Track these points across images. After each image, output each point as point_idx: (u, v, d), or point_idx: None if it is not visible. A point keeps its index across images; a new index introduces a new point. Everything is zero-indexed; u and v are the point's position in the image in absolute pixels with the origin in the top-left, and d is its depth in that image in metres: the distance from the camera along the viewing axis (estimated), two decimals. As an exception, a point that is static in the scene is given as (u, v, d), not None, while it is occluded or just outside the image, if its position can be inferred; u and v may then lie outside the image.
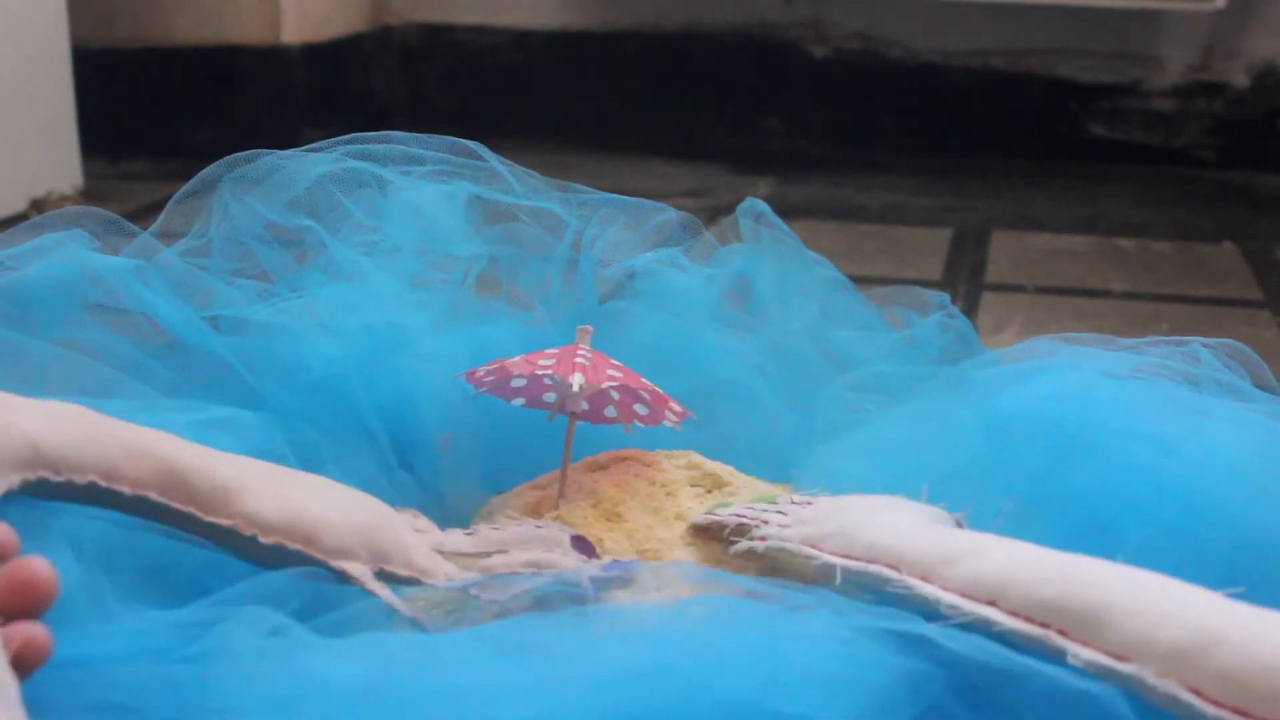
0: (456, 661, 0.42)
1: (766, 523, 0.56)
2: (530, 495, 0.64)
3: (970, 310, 1.28)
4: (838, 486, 0.62)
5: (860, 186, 1.84)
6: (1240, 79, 1.97)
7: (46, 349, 0.60)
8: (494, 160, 0.74)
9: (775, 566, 0.55)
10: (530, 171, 0.75)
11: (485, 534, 0.56)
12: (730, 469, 0.66)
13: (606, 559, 0.56)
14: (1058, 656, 0.41)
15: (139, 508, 0.47)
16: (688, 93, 2.08)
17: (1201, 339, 0.67)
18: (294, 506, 0.49)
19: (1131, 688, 0.39)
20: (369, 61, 2.07)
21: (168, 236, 0.69)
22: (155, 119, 1.88)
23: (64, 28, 1.57)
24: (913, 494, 0.58)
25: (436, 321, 0.70)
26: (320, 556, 0.49)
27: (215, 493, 0.48)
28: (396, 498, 0.62)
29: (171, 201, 0.71)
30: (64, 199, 1.55)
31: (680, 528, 0.61)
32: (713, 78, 2.07)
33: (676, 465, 0.65)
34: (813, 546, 0.52)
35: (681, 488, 0.63)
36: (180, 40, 1.86)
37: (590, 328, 0.65)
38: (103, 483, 0.46)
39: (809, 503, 0.58)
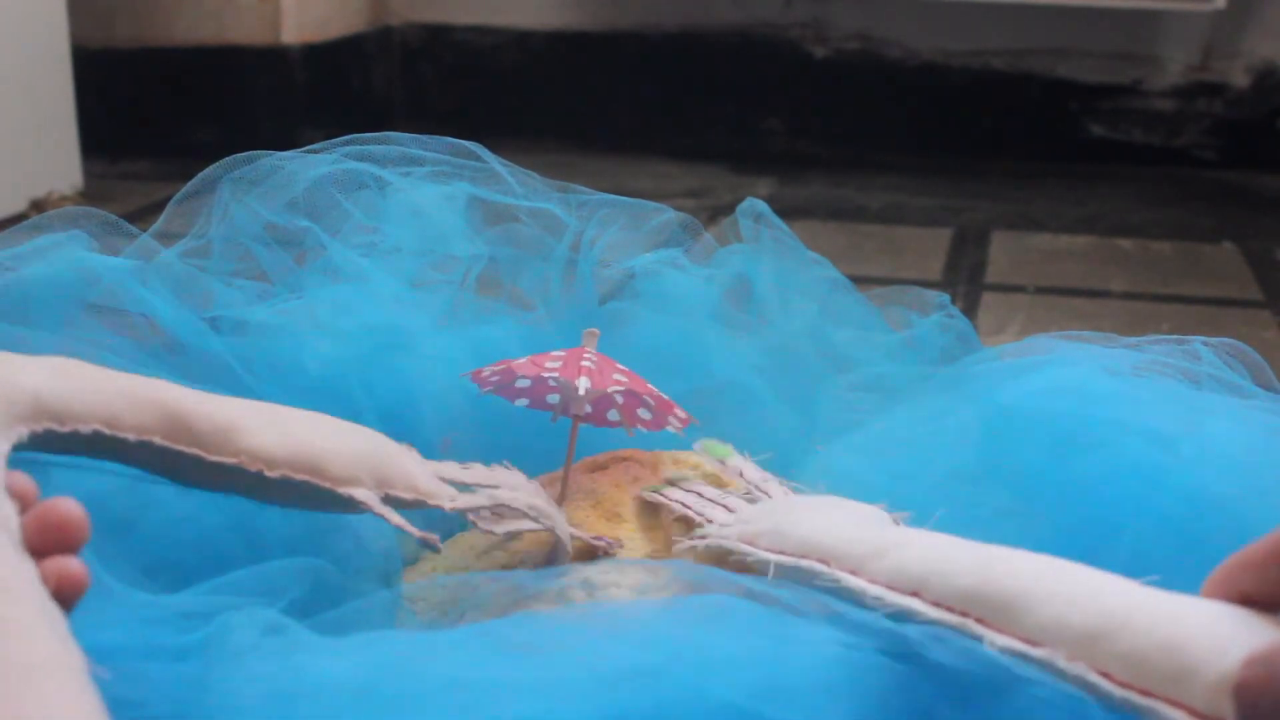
0: (454, 659, 0.42)
1: (710, 520, 0.58)
2: (530, 496, 0.64)
3: (970, 310, 1.28)
4: (838, 486, 0.62)
5: (860, 186, 1.84)
6: (1240, 79, 1.97)
7: (45, 345, 0.60)
8: (493, 161, 0.74)
9: (718, 559, 0.56)
10: (530, 172, 0.75)
11: (480, 469, 0.57)
12: (730, 469, 0.66)
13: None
14: (976, 643, 0.42)
15: (144, 455, 0.47)
16: (688, 93, 2.08)
17: (1202, 338, 0.67)
18: (297, 440, 0.50)
19: (1045, 671, 0.40)
20: (369, 62, 2.07)
21: (168, 237, 0.69)
22: (155, 119, 1.88)
23: (64, 28, 1.57)
24: (913, 492, 0.58)
25: (436, 322, 0.70)
26: (328, 485, 0.50)
27: (218, 433, 0.48)
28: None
29: (171, 202, 0.71)
30: (64, 199, 1.55)
31: (680, 528, 0.61)
32: (713, 78, 2.07)
33: (677, 466, 0.65)
34: (748, 543, 0.54)
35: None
36: (180, 40, 1.86)
37: (596, 331, 0.65)
38: (106, 431, 0.46)
39: (751, 495, 0.59)
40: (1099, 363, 0.64)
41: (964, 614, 0.42)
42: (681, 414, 0.65)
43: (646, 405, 0.65)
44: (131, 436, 0.46)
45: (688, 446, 0.66)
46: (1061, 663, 0.39)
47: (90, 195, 1.59)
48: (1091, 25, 1.97)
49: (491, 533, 0.54)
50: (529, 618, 0.47)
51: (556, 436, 0.64)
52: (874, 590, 0.46)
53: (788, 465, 0.68)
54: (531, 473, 0.66)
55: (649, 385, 0.64)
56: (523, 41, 2.11)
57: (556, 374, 0.62)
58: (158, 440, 0.47)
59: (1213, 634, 0.37)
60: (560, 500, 0.62)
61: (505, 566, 0.58)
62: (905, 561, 0.46)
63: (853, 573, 0.47)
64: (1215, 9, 1.88)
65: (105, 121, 1.75)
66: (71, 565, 0.39)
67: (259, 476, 0.48)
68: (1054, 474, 0.58)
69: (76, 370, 0.47)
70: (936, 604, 0.43)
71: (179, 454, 0.47)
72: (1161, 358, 0.65)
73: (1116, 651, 0.38)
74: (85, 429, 0.45)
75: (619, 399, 0.65)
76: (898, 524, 0.55)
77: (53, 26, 1.55)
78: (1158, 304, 1.33)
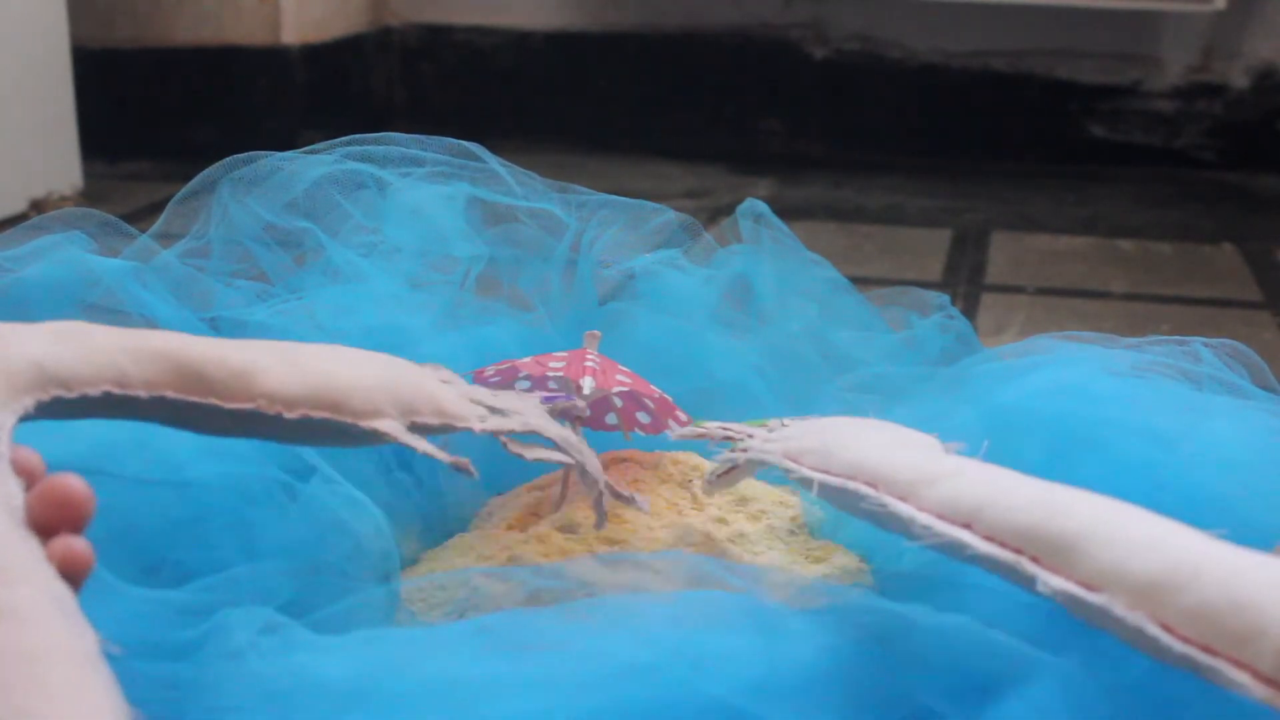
0: (452, 657, 0.42)
1: (751, 436, 0.55)
2: (529, 496, 0.64)
3: (970, 311, 1.28)
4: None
5: (860, 187, 1.84)
6: (1240, 80, 1.97)
7: None
8: (493, 161, 0.74)
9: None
10: (530, 172, 0.75)
11: (510, 396, 0.56)
12: (730, 470, 0.66)
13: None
14: (1027, 584, 0.40)
15: (158, 410, 0.46)
16: (688, 93, 2.08)
17: (1202, 339, 0.67)
18: (314, 377, 0.48)
19: (1098, 620, 0.38)
20: (369, 62, 2.07)
21: (168, 238, 0.70)
22: (155, 119, 1.88)
23: (64, 28, 1.57)
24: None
25: (436, 323, 0.70)
26: (349, 420, 0.48)
27: (233, 379, 0.46)
28: (395, 499, 0.62)
29: (171, 202, 0.71)
30: (64, 200, 1.55)
31: (680, 529, 0.61)
32: (713, 78, 2.07)
33: (676, 467, 0.65)
34: (793, 460, 0.51)
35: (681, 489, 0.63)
36: (180, 40, 1.86)
37: (598, 333, 0.65)
38: (117, 390, 0.44)
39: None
40: (1099, 363, 0.64)
41: (1018, 551, 0.40)
42: (683, 417, 0.65)
43: (646, 409, 0.65)
44: (143, 393, 0.45)
45: (688, 447, 0.66)
46: (1119, 610, 0.37)
47: (90, 195, 1.59)
48: (1091, 26, 1.97)
49: (521, 456, 0.53)
50: (526, 615, 0.47)
51: (556, 437, 0.64)
52: (923, 519, 0.43)
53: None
54: (530, 474, 0.66)
55: (652, 387, 0.64)
56: (523, 41, 2.11)
57: (561, 374, 0.62)
58: (170, 394, 0.45)
59: None
60: (560, 501, 0.62)
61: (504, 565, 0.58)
62: (958, 491, 0.43)
63: (901, 499, 0.45)
64: (1215, 9, 1.88)
65: (105, 121, 1.75)
66: (76, 545, 0.38)
67: (278, 419, 0.47)
68: (1054, 474, 0.58)
69: (78, 332, 0.46)
70: (989, 538, 0.41)
71: (194, 405, 0.46)
72: (1162, 358, 0.65)
73: (1182, 605, 0.36)
74: (94, 391, 0.44)
75: (618, 402, 0.65)
76: (951, 454, 0.52)
77: (53, 26, 1.55)
78: (1158, 305, 1.33)
